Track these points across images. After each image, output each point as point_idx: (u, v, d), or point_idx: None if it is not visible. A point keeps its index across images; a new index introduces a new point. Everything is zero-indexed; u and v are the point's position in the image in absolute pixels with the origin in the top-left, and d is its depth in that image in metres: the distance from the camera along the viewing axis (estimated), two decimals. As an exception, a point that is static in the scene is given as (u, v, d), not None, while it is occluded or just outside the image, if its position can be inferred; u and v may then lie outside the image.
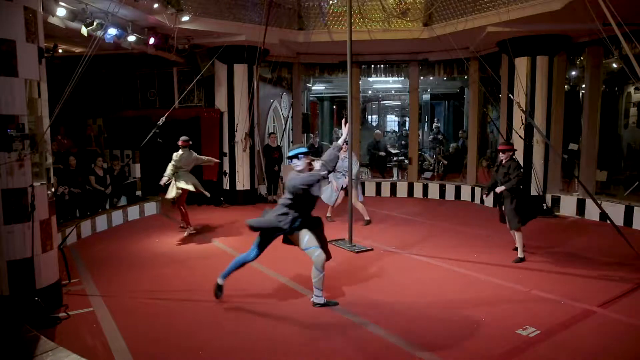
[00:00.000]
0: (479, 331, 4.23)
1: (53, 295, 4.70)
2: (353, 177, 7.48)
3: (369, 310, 4.71)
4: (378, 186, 12.36)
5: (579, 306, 4.76)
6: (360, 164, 9.71)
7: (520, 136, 8.77)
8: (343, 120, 6.12)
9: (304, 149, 4.77)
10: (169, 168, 7.69)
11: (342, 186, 8.34)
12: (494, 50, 10.30)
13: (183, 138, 7.76)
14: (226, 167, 10.96)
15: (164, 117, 7.61)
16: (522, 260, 6.32)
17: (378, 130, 14.93)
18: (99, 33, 6.74)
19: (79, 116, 11.39)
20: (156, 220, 9.41)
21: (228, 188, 10.98)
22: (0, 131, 4.21)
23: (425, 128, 16.55)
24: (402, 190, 12.19)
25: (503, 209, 6.41)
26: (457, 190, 11.67)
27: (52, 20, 6.75)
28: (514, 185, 6.17)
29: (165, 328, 4.38)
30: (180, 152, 7.72)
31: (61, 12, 6.69)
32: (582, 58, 9.78)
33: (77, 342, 3.99)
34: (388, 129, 18.41)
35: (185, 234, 7.94)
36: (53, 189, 4.88)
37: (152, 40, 8.75)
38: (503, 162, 6.34)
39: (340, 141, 5.32)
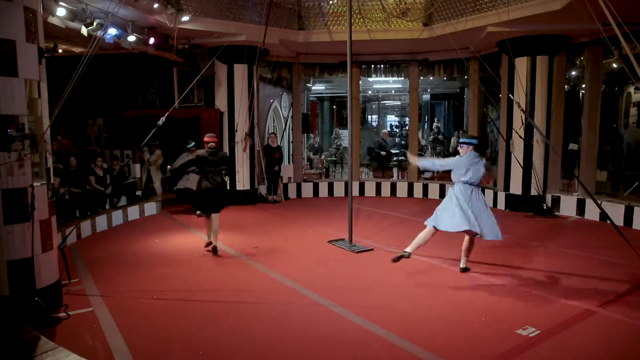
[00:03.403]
0: (479, 331, 4.23)
1: (53, 295, 4.70)
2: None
3: (369, 310, 4.70)
4: (378, 186, 12.36)
5: (579, 306, 4.75)
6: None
7: (520, 136, 8.77)
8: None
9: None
10: None
11: None
12: (494, 50, 10.31)
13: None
14: (226, 167, 10.96)
15: (164, 117, 7.62)
16: None
17: (385, 130, 14.96)
18: (99, 33, 6.74)
19: (79, 116, 11.40)
20: (156, 220, 9.39)
21: (228, 188, 10.96)
22: (0, 131, 4.21)
23: (426, 128, 16.57)
24: (402, 190, 12.18)
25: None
26: (458, 190, 11.63)
27: (52, 20, 6.75)
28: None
29: (165, 328, 4.37)
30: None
31: (61, 12, 6.69)
32: (582, 58, 9.76)
33: (77, 342, 3.99)
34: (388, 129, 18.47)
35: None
36: (52, 183, 4.87)
37: (152, 40, 8.75)
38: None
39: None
